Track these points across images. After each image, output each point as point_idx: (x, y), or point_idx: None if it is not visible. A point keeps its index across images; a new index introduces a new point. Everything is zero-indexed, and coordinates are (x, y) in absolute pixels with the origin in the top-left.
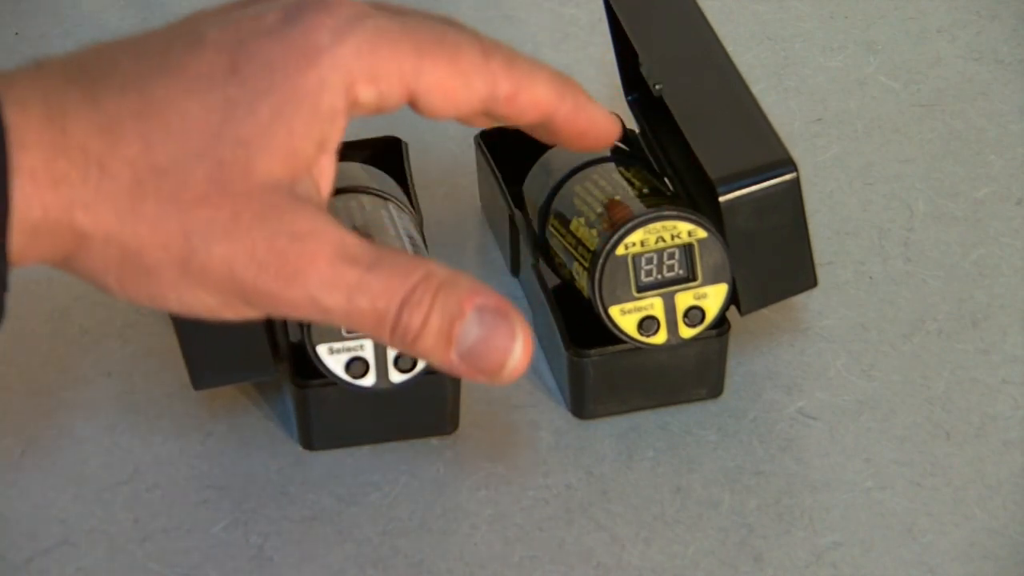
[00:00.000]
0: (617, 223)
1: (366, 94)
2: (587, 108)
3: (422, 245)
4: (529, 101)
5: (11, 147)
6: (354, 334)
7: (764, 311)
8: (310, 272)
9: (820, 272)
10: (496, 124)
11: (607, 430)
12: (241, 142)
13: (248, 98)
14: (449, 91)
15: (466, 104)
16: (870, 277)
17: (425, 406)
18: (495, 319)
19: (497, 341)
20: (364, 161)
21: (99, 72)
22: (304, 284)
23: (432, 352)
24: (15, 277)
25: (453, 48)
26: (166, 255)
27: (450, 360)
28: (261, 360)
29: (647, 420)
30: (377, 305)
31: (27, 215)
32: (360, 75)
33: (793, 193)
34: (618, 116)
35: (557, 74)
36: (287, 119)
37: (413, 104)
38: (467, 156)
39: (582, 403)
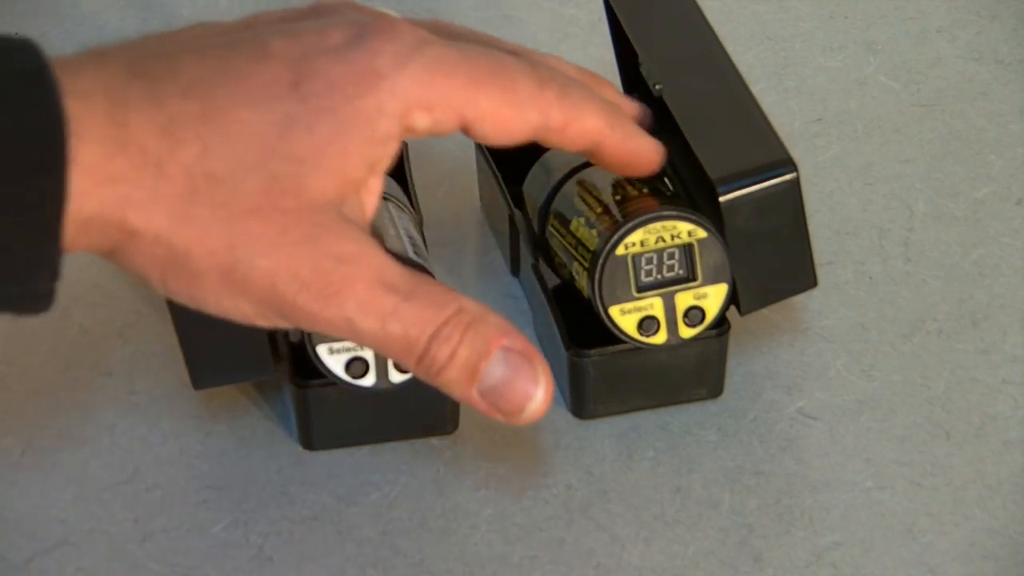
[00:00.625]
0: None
1: (421, 121)
2: (634, 138)
3: (422, 245)
4: (579, 131)
5: (71, 138)
6: None
7: (764, 311)
8: (349, 295)
9: (820, 272)
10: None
11: (607, 430)
12: (296, 159)
13: (307, 116)
14: (502, 121)
15: (518, 133)
16: (870, 277)
17: (425, 406)
18: (520, 362)
19: (519, 384)
20: None
21: (163, 70)
22: (341, 306)
23: (455, 385)
24: None
25: (509, 79)
26: (212, 261)
27: (471, 395)
28: (261, 360)
29: (647, 420)
30: (409, 333)
31: (81, 207)
32: (416, 103)
33: (793, 193)
34: (660, 146)
35: (607, 104)
36: (343, 141)
37: (466, 131)
38: (467, 156)
39: (582, 403)
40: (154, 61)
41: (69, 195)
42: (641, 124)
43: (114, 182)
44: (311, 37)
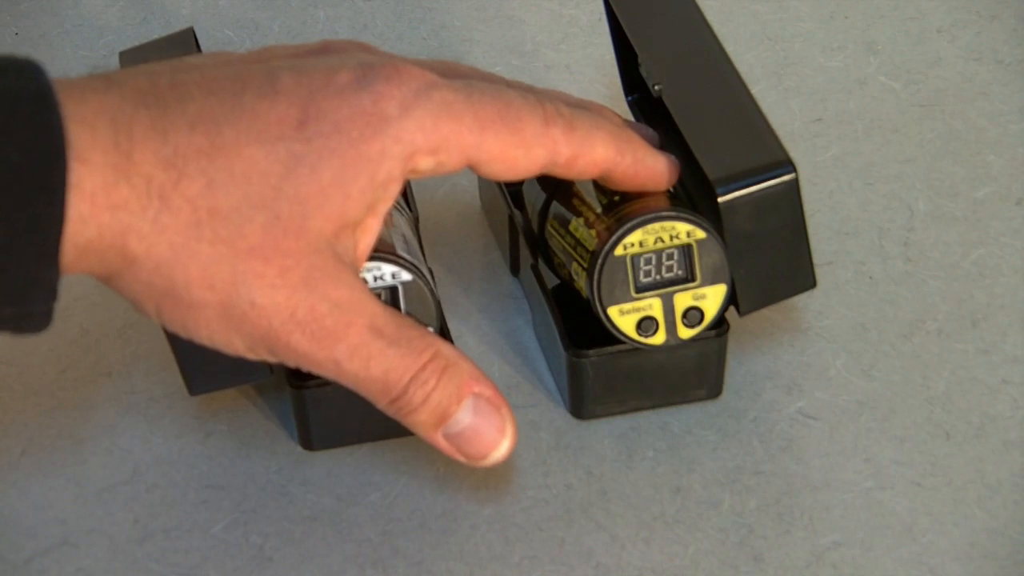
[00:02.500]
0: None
1: (425, 163)
2: (645, 161)
3: (415, 244)
4: (589, 162)
5: (72, 163)
6: None
7: (764, 311)
8: (342, 339)
9: (820, 272)
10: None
11: (607, 430)
12: (299, 199)
13: (312, 157)
14: (509, 160)
15: (525, 170)
16: (870, 277)
17: None
18: (488, 410)
19: (486, 432)
20: None
21: (171, 100)
22: (333, 348)
23: (422, 427)
24: None
25: (515, 121)
26: (211, 296)
27: (436, 438)
28: (256, 363)
29: (647, 420)
30: (389, 377)
31: (81, 232)
32: (421, 147)
33: (792, 194)
34: (673, 159)
35: (615, 131)
36: (346, 184)
37: (474, 170)
38: None
39: (581, 403)
40: (162, 91)
41: (69, 219)
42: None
43: (116, 209)
44: (320, 76)
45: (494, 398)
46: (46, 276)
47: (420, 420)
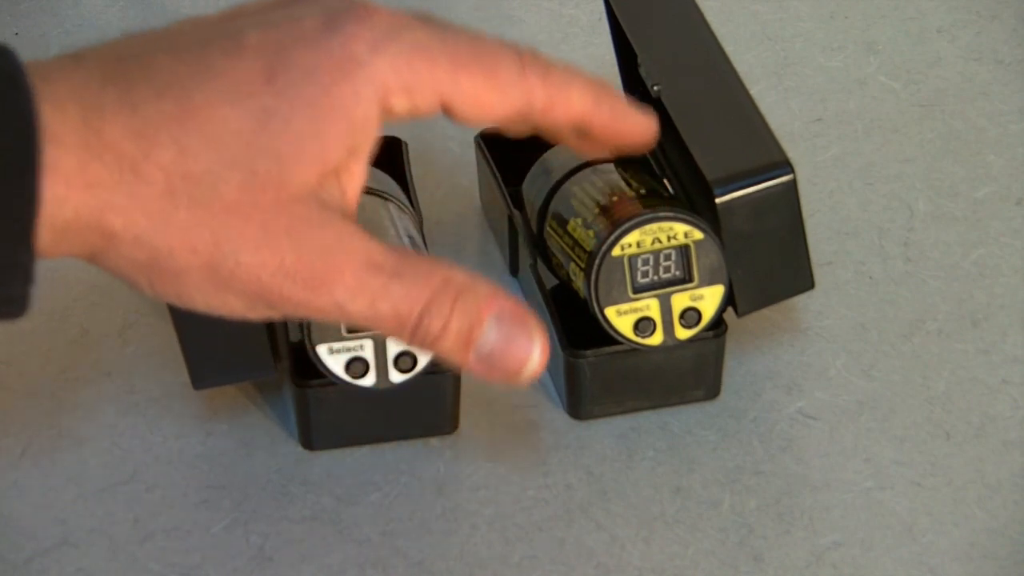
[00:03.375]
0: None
1: (400, 104)
2: (624, 113)
3: (422, 245)
4: (565, 110)
5: (46, 145)
6: (354, 334)
7: (764, 311)
8: (337, 281)
9: (820, 272)
10: (534, 132)
11: (607, 430)
12: (275, 154)
13: (284, 109)
14: (484, 102)
15: (501, 113)
16: (870, 277)
17: (425, 406)
18: (512, 324)
19: (515, 346)
20: None
21: (137, 72)
22: (331, 292)
23: (451, 354)
24: None
25: (490, 60)
26: (195, 260)
27: (468, 362)
28: (261, 360)
29: (647, 420)
30: (400, 311)
31: (58, 214)
32: (395, 87)
33: (790, 195)
34: (653, 117)
35: (593, 81)
36: (322, 132)
37: (447, 112)
38: (467, 156)
39: (579, 404)
40: (128, 63)
41: (43, 200)
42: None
43: (91, 187)
44: (286, 27)
45: (516, 310)
46: (22, 259)
47: (447, 348)
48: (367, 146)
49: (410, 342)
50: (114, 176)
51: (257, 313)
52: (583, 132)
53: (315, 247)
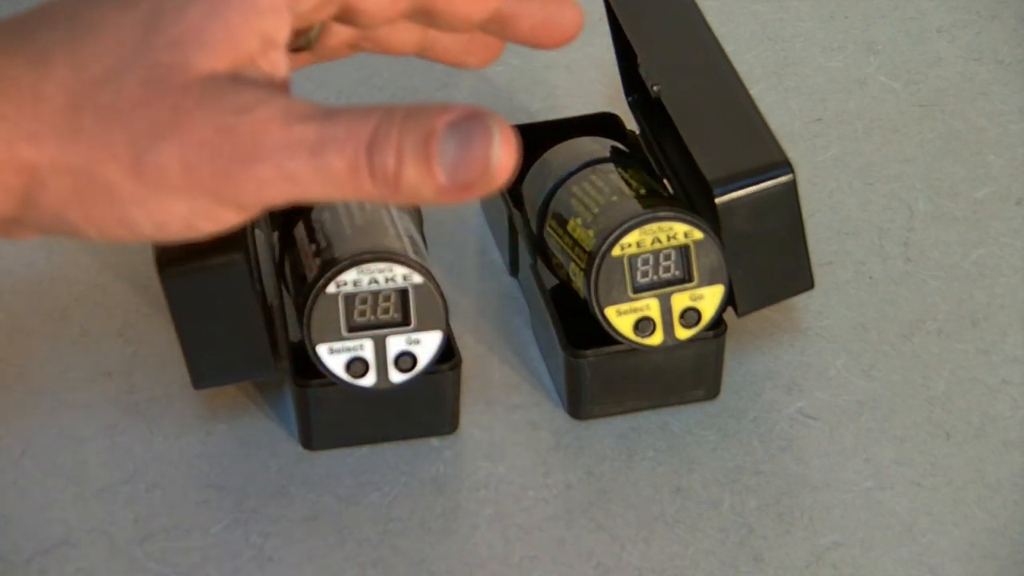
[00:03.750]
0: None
1: None
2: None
3: (422, 245)
4: None
5: None
6: (354, 334)
7: (764, 311)
8: (265, 141)
9: (820, 272)
10: (435, 30)
11: (607, 430)
12: (174, 43)
13: (176, 3)
14: None
15: (404, 2)
16: (870, 277)
17: (425, 406)
18: (467, 123)
19: (476, 143)
20: None
21: (33, 17)
22: (263, 156)
23: (419, 184)
24: (14, 276)
25: None
26: (117, 166)
27: (439, 184)
28: (261, 359)
29: (647, 420)
30: (345, 154)
31: None
32: None
33: (789, 195)
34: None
35: None
36: (221, 14)
37: (349, 10)
38: None
39: (579, 404)
40: (25, 15)
41: None
42: None
43: None
44: None
45: (466, 110)
46: None
47: (412, 179)
48: (282, 34)
49: (374, 190)
50: (15, 105)
51: (209, 215)
52: (498, 23)
53: (230, 110)
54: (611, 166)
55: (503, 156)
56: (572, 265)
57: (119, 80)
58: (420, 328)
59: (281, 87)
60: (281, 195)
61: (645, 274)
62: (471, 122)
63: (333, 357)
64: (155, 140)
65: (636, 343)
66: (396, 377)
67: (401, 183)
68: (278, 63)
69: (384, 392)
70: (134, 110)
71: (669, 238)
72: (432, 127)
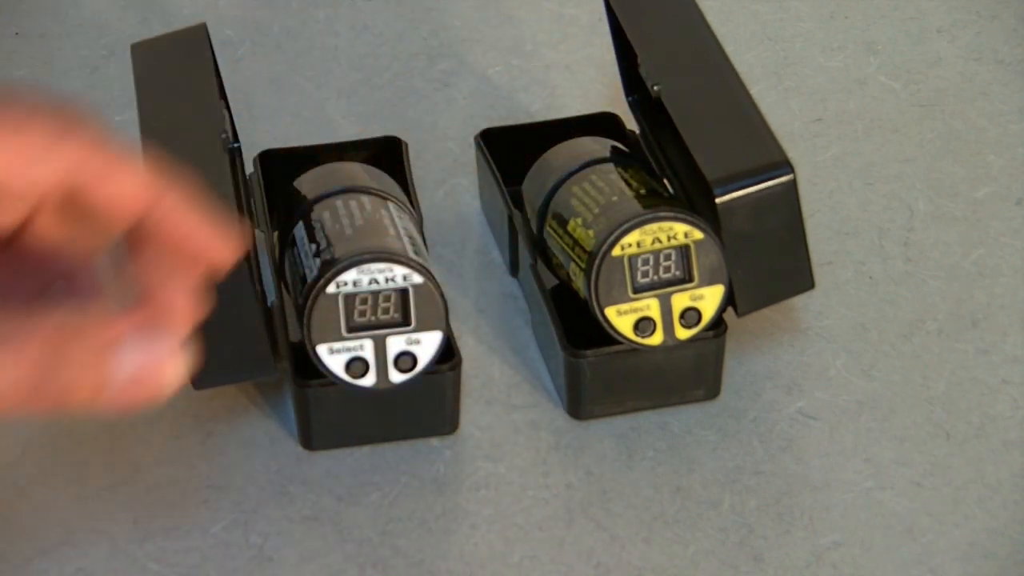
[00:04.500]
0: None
1: None
2: (196, 220)
3: (422, 245)
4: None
5: None
6: (354, 334)
7: (764, 311)
8: None
9: (820, 272)
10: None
11: (607, 430)
12: None
13: None
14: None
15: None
16: (870, 277)
17: (425, 406)
18: (142, 347)
19: (149, 372)
20: (364, 161)
21: None
22: None
23: (91, 407)
24: None
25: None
26: None
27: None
28: (261, 360)
29: (647, 420)
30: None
31: None
32: None
33: (790, 195)
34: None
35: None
36: None
37: None
38: (467, 156)
39: (579, 404)
40: None
41: None
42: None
43: None
44: None
45: (145, 323)
46: None
47: (82, 403)
48: None
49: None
50: None
51: None
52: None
53: None
54: (611, 166)
55: (171, 380)
56: (572, 265)
57: None
58: (420, 328)
59: None
60: None
61: (645, 274)
62: (147, 348)
63: (333, 357)
64: None
65: (636, 343)
66: (396, 377)
67: (72, 409)
68: None
69: (384, 392)
70: None
71: (669, 238)
72: (102, 353)
